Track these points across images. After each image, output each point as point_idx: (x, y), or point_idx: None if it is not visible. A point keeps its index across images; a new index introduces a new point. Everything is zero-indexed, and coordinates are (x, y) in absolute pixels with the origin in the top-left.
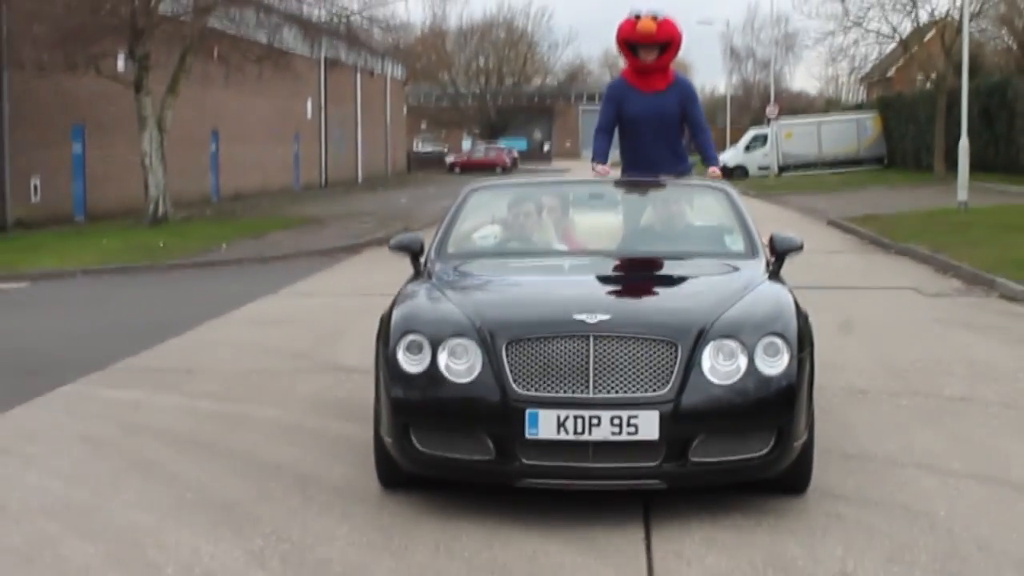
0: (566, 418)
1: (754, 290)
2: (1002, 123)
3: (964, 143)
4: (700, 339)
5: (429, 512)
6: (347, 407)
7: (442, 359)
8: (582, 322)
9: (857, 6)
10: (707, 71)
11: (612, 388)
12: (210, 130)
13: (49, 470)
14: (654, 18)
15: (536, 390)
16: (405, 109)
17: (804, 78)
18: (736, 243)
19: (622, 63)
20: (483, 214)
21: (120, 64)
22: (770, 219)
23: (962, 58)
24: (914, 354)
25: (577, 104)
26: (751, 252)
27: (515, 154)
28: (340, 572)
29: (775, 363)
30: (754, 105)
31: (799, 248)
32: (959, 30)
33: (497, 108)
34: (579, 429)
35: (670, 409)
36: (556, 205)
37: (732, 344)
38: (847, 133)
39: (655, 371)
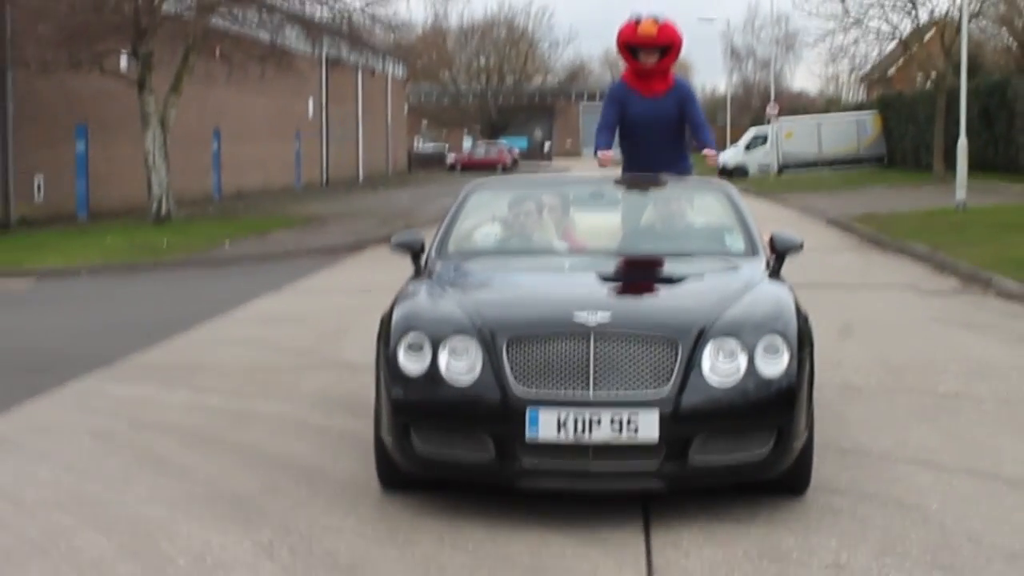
0: (566, 418)
1: (754, 289)
2: (1002, 123)
3: (963, 143)
4: (700, 338)
5: (433, 505)
6: (351, 403)
7: (442, 358)
8: (582, 321)
9: (857, 5)
10: (707, 70)
11: (612, 387)
12: (212, 129)
13: (61, 464)
14: (655, 22)
15: (536, 389)
16: (406, 108)
17: (804, 77)
18: (736, 242)
19: (623, 65)
20: (484, 213)
21: (123, 63)
22: (770, 218)
23: (961, 58)
24: (910, 351)
25: (578, 103)
26: (751, 251)
27: (516, 153)
28: (347, 563)
29: (775, 363)
30: (754, 104)
31: (799, 247)
32: (959, 30)
33: (498, 107)
34: (579, 429)
35: (670, 409)
36: (556, 204)
37: (732, 344)
38: (847, 132)
39: (655, 370)
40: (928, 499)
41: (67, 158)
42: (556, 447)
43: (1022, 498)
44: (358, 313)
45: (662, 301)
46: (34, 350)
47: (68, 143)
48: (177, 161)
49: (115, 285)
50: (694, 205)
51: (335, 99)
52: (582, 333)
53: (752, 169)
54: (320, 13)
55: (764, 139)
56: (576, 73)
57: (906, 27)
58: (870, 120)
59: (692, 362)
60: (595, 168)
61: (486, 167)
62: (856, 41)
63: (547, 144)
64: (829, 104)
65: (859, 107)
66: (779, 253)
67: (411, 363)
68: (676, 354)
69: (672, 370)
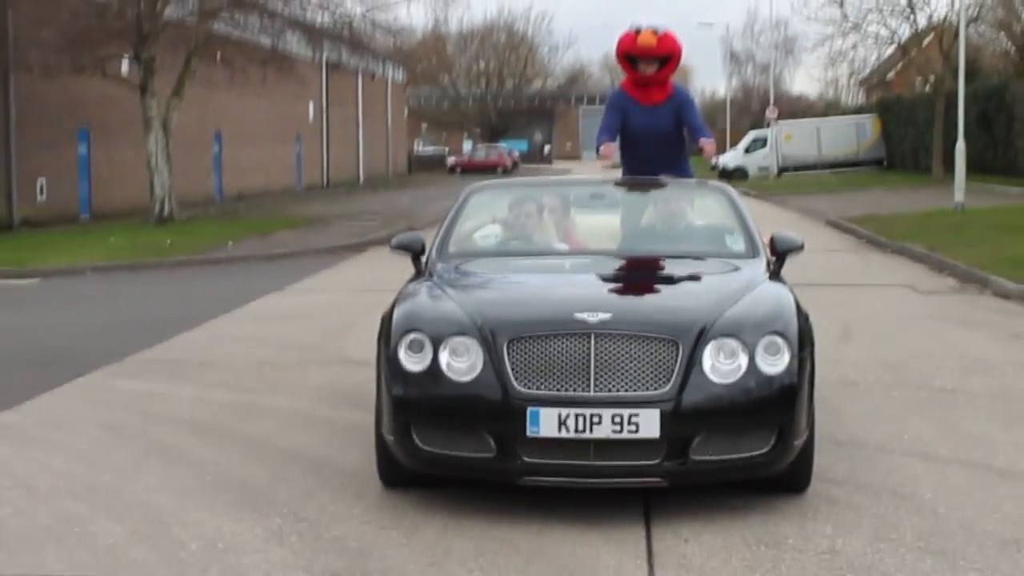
0: (567, 416)
1: (755, 290)
2: (1000, 126)
3: (961, 146)
4: (701, 338)
5: (438, 494)
6: (357, 397)
7: (443, 358)
8: (583, 321)
9: (856, 10)
10: (707, 74)
11: (613, 386)
12: (213, 132)
13: (73, 455)
14: (654, 32)
15: (537, 388)
16: (406, 111)
17: (804, 81)
18: (737, 243)
19: (622, 73)
20: (484, 214)
21: (125, 67)
22: (770, 219)
23: (960, 62)
24: (907, 348)
25: (577, 106)
26: (752, 252)
27: (516, 156)
28: (355, 548)
29: (776, 362)
30: (754, 108)
31: (800, 248)
32: (957, 34)
33: (498, 110)
34: (580, 427)
35: (671, 407)
36: (557, 205)
37: (733, 343)
38: (846, 135)
39: (656, 370)
40: (922, 489)
41: (69, 161)
42: (557, 444)
43: (1013, 488)
44: (362, 311)
45: (663, 301)
46: (42, 347)
47: (70, 146)
48: (179, 164)
49: (119, 284)
50: (694, 206)
51: (335, 102)
52: (583, 333)
53: (752, 171)
54: (321, 19)
55: (763, 142)
56: (576, 77)
57: (905, 32)
58: (869, 123)
59: (693, 361)
60: (595, 170)
61: (486, 169)
62: (855, 46)
63: (547, 147)
64: (828, 108)
65: (858, 111)
66: (780, 254)
67: (412, 362)
68: (677, 354)
69: (673, 369)
